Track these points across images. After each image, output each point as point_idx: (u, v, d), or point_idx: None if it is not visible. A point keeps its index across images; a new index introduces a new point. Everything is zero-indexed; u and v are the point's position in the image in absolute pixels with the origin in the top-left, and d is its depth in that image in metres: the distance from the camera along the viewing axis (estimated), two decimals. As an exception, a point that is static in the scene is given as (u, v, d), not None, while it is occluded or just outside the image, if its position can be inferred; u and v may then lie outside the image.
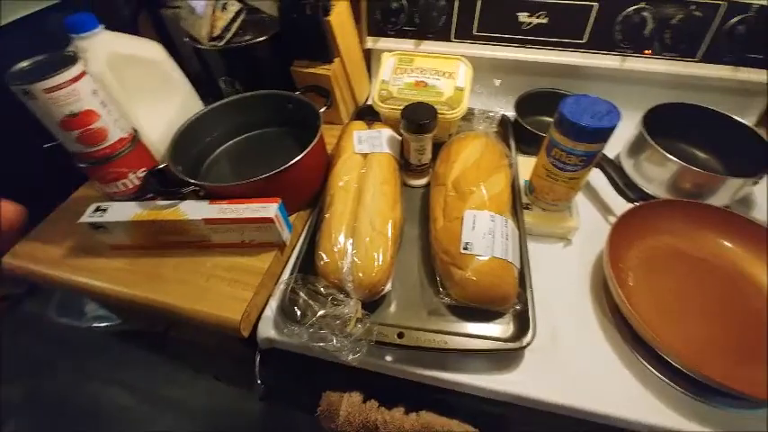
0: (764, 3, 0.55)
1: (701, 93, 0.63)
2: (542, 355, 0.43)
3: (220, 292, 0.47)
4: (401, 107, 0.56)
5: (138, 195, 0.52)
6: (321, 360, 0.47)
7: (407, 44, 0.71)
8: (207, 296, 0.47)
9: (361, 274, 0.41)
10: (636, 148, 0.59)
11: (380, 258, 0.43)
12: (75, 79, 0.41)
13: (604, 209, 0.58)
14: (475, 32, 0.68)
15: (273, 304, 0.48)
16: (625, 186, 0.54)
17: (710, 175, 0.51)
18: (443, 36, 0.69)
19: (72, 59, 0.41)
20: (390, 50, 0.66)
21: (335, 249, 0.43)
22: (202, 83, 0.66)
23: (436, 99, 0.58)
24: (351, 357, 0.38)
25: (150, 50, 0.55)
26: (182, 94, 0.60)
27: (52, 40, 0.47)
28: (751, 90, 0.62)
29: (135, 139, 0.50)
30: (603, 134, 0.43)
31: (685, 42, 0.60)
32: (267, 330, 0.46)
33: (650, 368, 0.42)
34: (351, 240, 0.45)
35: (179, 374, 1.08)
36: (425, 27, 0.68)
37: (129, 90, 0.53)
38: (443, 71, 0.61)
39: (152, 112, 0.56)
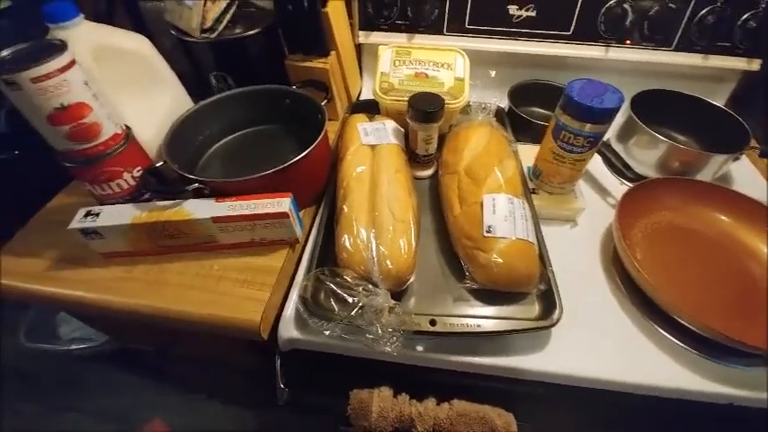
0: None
1: (676, 80, 0.68)
2: (567, 332, 0.43)
3: (234, 294, 0.44)
4: (404, 98, 0.56)
5: (135, 197, 0.48)
6: (343, 359, 0.45)
7: (400, 38, 0.71)
8: (220, 300, 0.44)
9: (389, 263, 0.40)
10: (625, 132, 0.62)
11: (405, 247, 0.42)
12: (65, 68, 0.37)
13: (602, 191, 0.60)
14: (467, 26, 0.69)
15: (294, 303, 0.46)
16: (623, 167, 0.56)
17: (698, 152, 0.55)
18: (436, 29, 0.70)
19: (60, 48, 0.37)
20: (384, 44, 0.65)
21: (359, 241, 0.42)
22: (189, 80, 0.62)
23: (438, 90, 0.58)
24: (390, 347, 0.36)
25: (136, 43, 0.51)
26: (171, 90, 0.57)
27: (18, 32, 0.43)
28: (719, 76, 0.68)
29: (129, 135, 0.46)
30: (609, 114, 0.45)
31: (661, 33, 0.65)
32: (289, 331, 0.44)
33: (665, 333, 0.44)
34: (372, 231, 0.43)
35: (167, 398, 1.00)
36: (418, 20, 0.69)
37: (116, 85, 0.49)
38: (442, 62, 0.62)
39: (141, 109, 0.52)
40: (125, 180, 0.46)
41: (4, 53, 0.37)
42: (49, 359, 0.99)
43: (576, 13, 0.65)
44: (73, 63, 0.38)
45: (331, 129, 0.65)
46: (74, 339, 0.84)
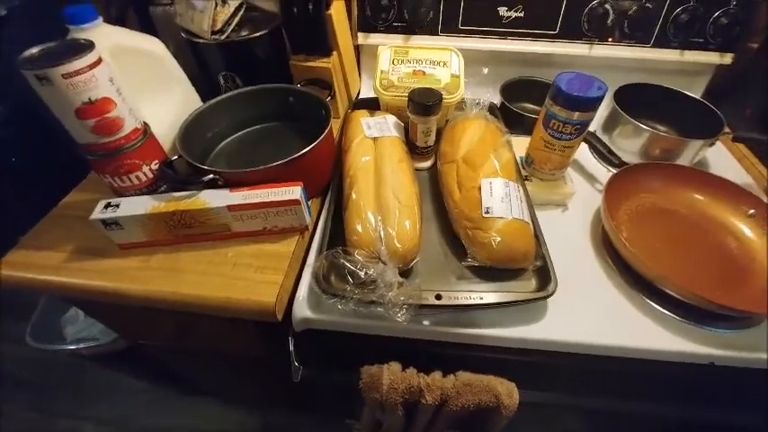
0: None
1: (656, 74, 0.73)
2: (561, 304, 0.47)
3: (250, 278, 0.47)
4: (403, 94, 0.59)
5: (152, 189, 0.50)
6: (353, 338, 0.48)
7: (397, 39, 0.75)
8: (236, 284, 0.46)
9: (397, 243, 0.43)
10: (610, 123, 0.67)
11: (411, 228, 0.45)
12: (94, 65, 0.39)
13: (590, 178, 0.65)
14: (460, 26, 0.73)
15: (306, 285, 0.48)
16: (609, 155, 0.61)
17: (677, 139, 0.59)
18: (431, 30, 0.74)
19: (87, 46, 0.40)
20: (383, 45, 0.69)
21: (368, 224, 0.45)
22: (198, 80, 0.65)
23: (435, 86, 0.62)
24: (400, 318, 0.39)
25: (150, 44, 0.54)
26: (182, 89, 0.59)
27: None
28: (695, 69, 0.73)
29: (147, 130, 0.48)
30: (595, 102, 0.49)
31: (640, 30, 0.70)
32: (303, 311, 0.47)
33: (652, 303, 0.47)
34: (379, 216, 0.47)
35: (168, 401, 1.01)
36: (414, 22, 0.73)
37: (132, 84, 0.51)
38: (438, 61, 0.65)
39: (155, 107, 0.54)
40: (143, 173, 0.49)
41: (33, 50, 0.39)
42: (48, 364, 0.98)
43: (562, 13, 0.70)
44: (100, 60, 0.41)
45: (333, 126, 0.68)
46: (79, 340, 0.85)
